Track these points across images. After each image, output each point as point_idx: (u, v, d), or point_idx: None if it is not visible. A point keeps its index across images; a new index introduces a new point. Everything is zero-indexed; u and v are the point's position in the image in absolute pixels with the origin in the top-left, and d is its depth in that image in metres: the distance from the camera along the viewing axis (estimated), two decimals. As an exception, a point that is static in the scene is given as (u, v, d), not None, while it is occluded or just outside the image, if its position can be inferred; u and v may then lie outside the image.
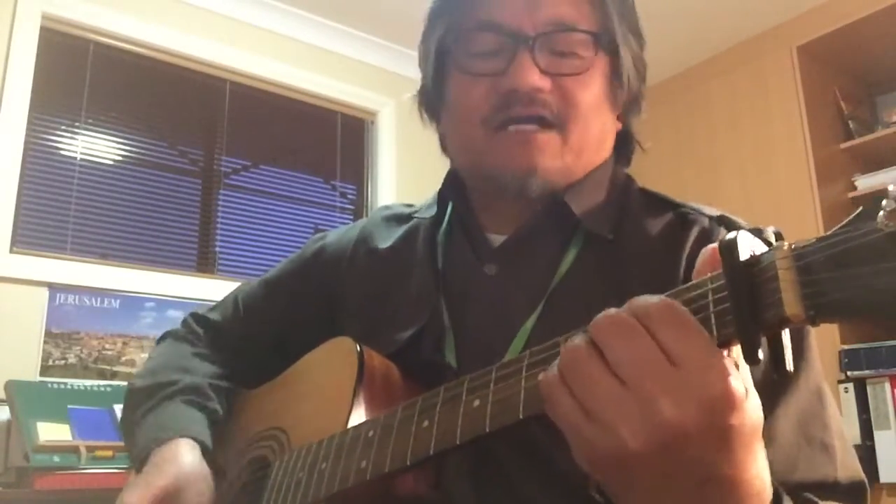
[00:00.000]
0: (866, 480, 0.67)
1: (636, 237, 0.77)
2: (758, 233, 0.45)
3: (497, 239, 0.82)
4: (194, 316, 1.02)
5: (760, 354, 0.42)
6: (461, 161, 0.85)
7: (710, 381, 0.42)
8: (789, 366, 0.44)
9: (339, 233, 0.97)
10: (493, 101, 0.77)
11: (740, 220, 0.75)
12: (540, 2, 0.77)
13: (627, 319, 0.44)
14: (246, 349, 0.97)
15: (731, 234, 0.44)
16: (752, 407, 0.45)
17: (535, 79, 0.75)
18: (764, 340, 0.44)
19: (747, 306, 0.43)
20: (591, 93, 0.78)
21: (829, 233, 0.41)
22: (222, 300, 1.03)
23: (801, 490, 0.62)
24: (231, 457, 0.85)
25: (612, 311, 0.46)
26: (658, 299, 0.45)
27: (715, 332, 0.44)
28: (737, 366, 0.45)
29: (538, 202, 0.78)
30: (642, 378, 0.43)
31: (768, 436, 0.62)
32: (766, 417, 0.63)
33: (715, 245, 0.46)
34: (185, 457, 0.78)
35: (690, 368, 0.43)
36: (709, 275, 0.46)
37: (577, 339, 0.46)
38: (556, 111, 0.76)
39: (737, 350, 0.47)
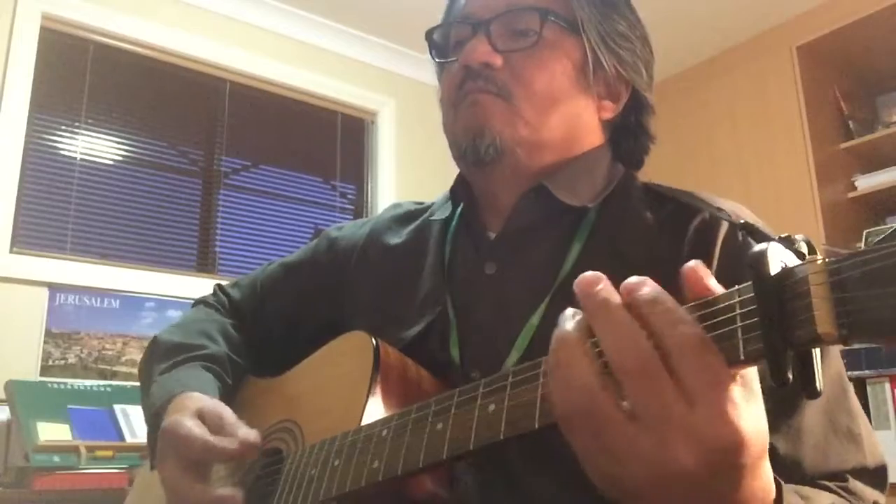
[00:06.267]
0: (887, 463, 0.69)
1: (638, 229, 0.76)
2: (789, 243, 0.42)
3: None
4: (220, 287, 1.06)
5: (789, 374, 0.40)
6: (452, 153, 0.87)
7: (724, 430, 0.41)
8: (819, 386, 0.41)
9: (353, 226, 1.00)
10: (456, 82, 0.82)
11: (760, 224, 0.71)
12: None
13: (652, 362, 0.42)
14: (258, 328, 1.00)
15: (762, 246, 0.41)
16: (760, 436, 0.43)
17: (480, 53, 0.78)
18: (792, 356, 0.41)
19: (777, 323, 0.40)
20: (547, 70, 0.79)
21: (864, 248, 0.38)
22: (245, 277, 1.06)
23: (834, 479, 0.65)
24: None
25: (643, 344, 0.43)
26: (691, 330, 0.42)
27: (741, 348, 0.42)
28: (743, 384, 0.43)
29: (518, 186, 0.79)
30: (659, 421, 0.42)
31: (798, 428, 0.65)
32: (792, 411, 0.65)
33: (692, 264, 0.45)
34: (205, 397, 0.82)
35: (706, 413, 0.41)
36: (737, 287, 0.43)
37: (592, 378, 0.44)
38: (503, 84, 0.78)
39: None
